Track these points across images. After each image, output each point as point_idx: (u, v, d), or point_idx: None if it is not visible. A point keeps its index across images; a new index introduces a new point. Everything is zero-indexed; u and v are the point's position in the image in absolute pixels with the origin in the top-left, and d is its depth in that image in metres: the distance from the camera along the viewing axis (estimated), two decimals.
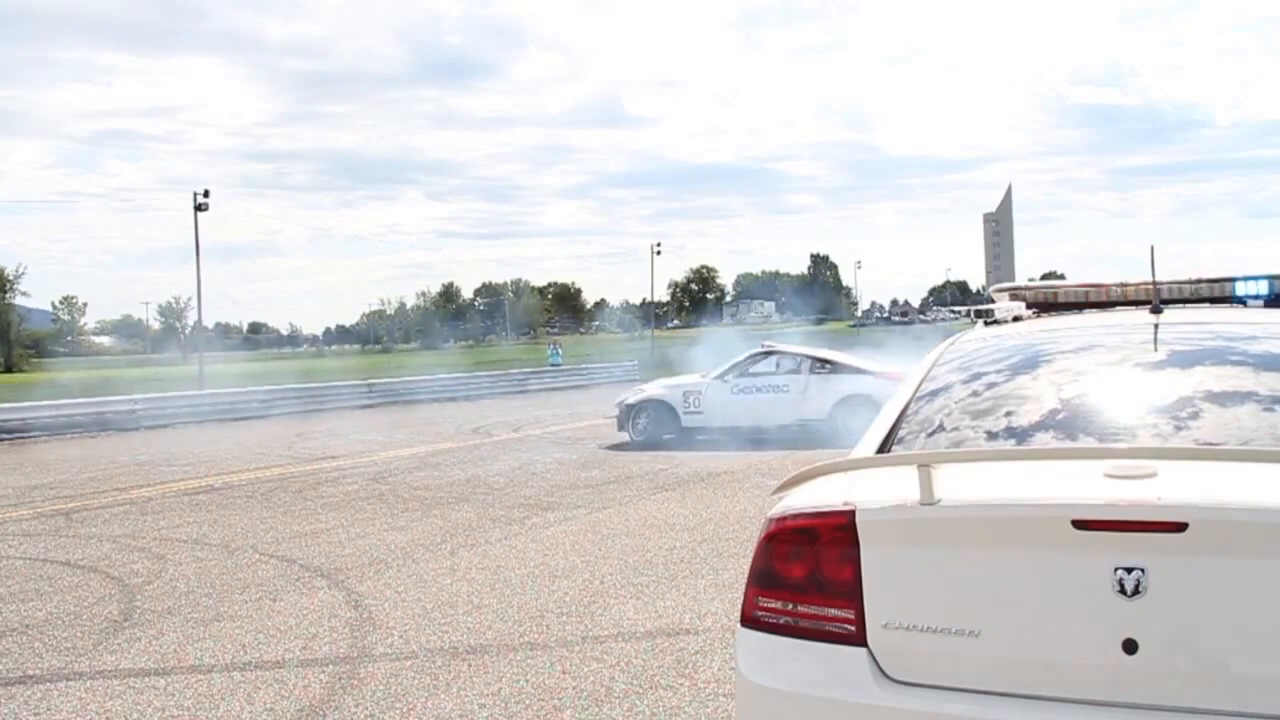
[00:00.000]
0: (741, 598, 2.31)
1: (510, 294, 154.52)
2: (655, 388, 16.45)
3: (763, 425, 15.06)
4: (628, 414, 15.91)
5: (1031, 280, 3.85)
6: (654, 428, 15.59)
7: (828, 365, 15.28)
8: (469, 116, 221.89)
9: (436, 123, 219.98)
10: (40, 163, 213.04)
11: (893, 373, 14.36)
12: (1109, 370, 2.76)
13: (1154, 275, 3.17)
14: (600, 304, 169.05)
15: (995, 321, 3.44)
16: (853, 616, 2.12)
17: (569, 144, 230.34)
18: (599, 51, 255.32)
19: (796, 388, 15.16)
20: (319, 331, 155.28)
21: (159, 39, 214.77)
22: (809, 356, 15.63)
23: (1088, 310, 3.52)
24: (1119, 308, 3.45)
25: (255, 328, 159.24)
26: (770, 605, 2.22)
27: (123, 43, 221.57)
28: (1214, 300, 3.37)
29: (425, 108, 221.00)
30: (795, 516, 2.22)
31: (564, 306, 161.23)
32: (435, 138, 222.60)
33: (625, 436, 15.70)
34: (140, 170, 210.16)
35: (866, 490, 2.19)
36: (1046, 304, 3.61)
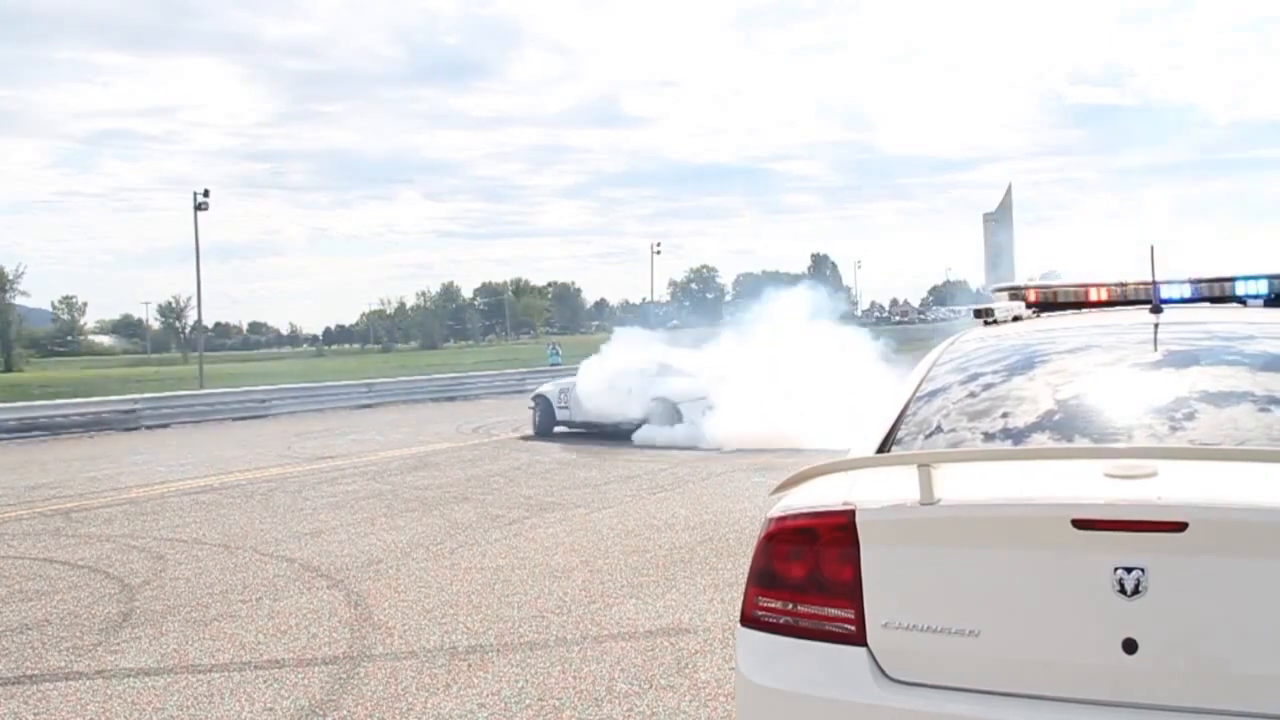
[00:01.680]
0: (741, 597, 2.31)
1: (510, 294, 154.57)
2: (547, 385, 18.22)
3: (605, 423, 16.25)
4: (532, 406, 17.88)
5: (1031, 280, 3.84)
6: (542, 421, 17.37)
7: (660, 367, 16.21)
8: (466, 116, 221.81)
9: (434, 122, 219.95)
10: (38, 163, 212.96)
11: (709, 375, 15.44)
12: (1109, 370, 2.76)
13: (1154, 275, 3.18)
14: (600, 304, 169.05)
15: (995, 321, 3.44)
16: (853, 616, 2.12)
17: (567, 144, 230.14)
18: (597, 51, 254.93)
19: (630, 388, 16.03)
20: (319, 331, 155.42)
21: (156, 39, 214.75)
22: (650, 357, 16.67)
23: (1087, 310, 3.52)
24: (1119, 307, 3.45)
25: (255, 327, 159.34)
26: (770, 605, 2.22)
27: (120, 42, 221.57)
28: (1214, 300, 3.37)
29: (422, 107, 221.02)
30: (795, 516, 2.21)
31: (564, 306, 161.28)
32: (433, 137, 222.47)
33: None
34: (138, 170, 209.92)
35: (866, 490, 2.19)
36: (1046, 304, 3.61)
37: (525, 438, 16.95)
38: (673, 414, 15.17)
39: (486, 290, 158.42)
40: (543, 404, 17.45)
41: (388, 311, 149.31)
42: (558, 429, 17.30)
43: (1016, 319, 3.45)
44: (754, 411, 13.90)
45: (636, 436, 15.38)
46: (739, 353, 16.22)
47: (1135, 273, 3.39)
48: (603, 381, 16.44)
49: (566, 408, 17.04)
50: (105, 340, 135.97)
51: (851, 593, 2.12)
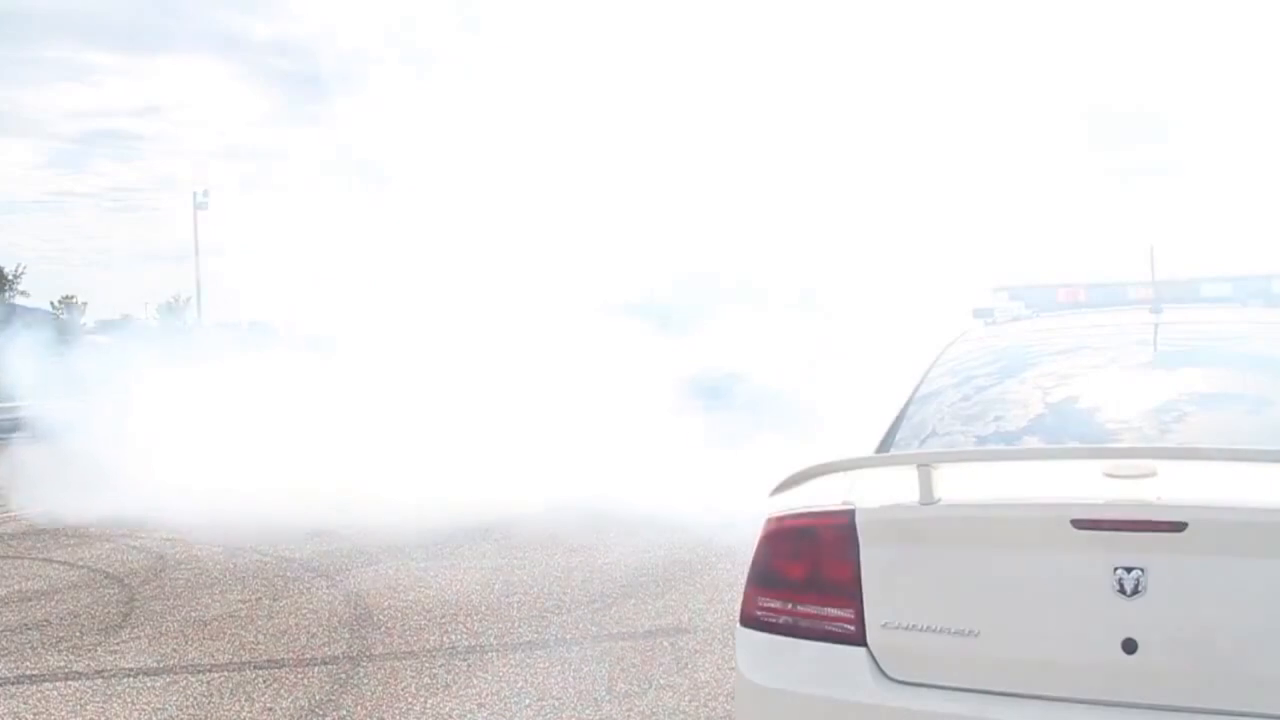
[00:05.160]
0: (741, 597, 2.31)
1: None
2: None
3: None
4: None
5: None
6: None
7: None
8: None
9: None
10: (32, 162, 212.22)
11: None
12: (1109, 371, 2.76)
13: (1154, 275, 3.18)
14: None
15: (995, 322, 3.44)
16: (852, 616, 2.12)
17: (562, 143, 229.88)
18: (589, 51, 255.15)
19: None
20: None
21: (149, 39, 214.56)
22: None
23: (1087, 310, 3.52)
24: (1119, 307, 3.45)
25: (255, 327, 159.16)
26: (769, 605, 2.22)
27: (113, 42, 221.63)
28: (1213, 300, 3.38)
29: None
30: (795, 516, 2.21)
31: None
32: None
33: None
34: (133, 170, 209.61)
35: (866, 490, 2.19)
36: (1046, 304, 3.61)
37: None
38: None
39: None
40: None
41: None
42: None
43: (1016, 319, 3.45)
44: None
45: None
46: None
47: (1135, 273, 3.40)
48: None
49: None
50: (105, 340, 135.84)
51: (851, 592, 2.12)
